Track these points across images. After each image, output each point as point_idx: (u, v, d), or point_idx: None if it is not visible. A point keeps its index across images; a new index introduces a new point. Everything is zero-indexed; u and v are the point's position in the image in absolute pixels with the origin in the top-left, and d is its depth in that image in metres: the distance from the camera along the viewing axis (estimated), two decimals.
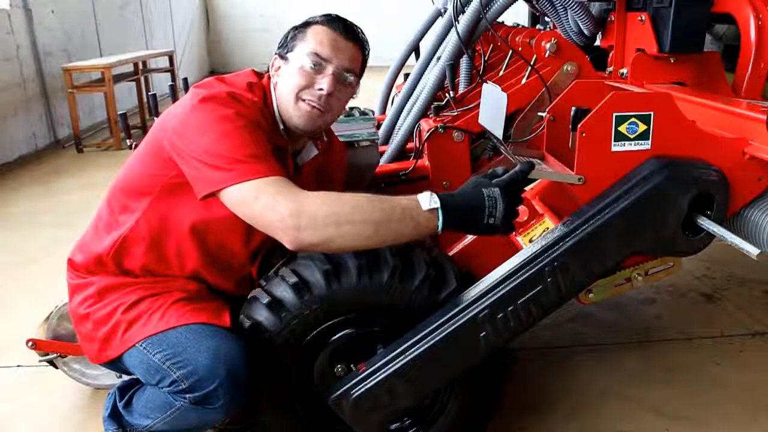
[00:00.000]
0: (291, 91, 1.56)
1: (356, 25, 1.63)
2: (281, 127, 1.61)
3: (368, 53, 1.66)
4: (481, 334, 1.46)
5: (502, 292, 1.45)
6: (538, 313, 1.47)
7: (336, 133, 2.07)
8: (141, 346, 1.53)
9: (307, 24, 1.60)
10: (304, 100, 1.56)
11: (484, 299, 1.46)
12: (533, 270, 1.45)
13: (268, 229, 1.37)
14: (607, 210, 1.46)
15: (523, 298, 1.45)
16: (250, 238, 1.62)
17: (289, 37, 1.62)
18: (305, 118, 1.57)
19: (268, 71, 1.66)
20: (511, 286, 1.45)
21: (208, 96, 1.47)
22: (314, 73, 1.55)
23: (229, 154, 1.39)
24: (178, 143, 1.46)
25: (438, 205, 1.35)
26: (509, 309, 1.45)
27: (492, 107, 1.85)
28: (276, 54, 1.63)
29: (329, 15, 1.61)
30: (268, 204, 1.34)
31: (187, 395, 1.48)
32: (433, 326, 1.47)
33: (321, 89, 1.54)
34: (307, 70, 1.54)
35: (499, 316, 1.45)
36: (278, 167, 1.42)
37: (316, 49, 1.54)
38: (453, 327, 1.46)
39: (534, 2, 2.48)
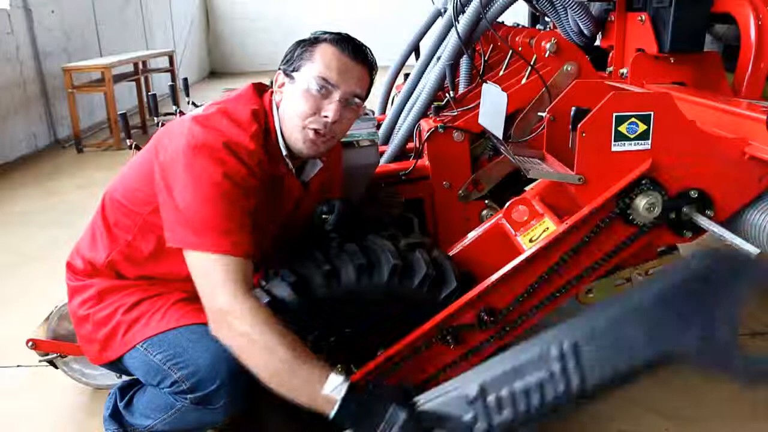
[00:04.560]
0: (296, 117, 1.53)
1: (365, 45, 1.59)
2: (284, 152, 1.58)
3: (376, 73, 1.62)
4: None
5: None
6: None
7: None
8: (141, 347, 1.53)
9: (314, 41, 1.54)
10: (309, 128, 1.53)
11: None
12: None
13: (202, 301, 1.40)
14: None
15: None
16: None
17: (295, 54, 1.55)
18: (309, 144, 1.54)
19: (271, 86, 1.62)
20: None
21: (202, 144, 1.42)
22: (320, 97, 1.51)
23: (203, 218, 1.39)
24: (162, 178, 1.46)
25: (339, 397, 1.24)
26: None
27: (492, 107, 1.85)
28: (280, 69, 1.57)
29: (338, 33, 1.56)
30: (211, 285, 1.37)
31: (188, 396, 1.48)
32: None
33: (326, 117, 1.51)
34: (313, 94, 1.50)
35: None
36: (246, 244, 1.40)
37: (324, 73, 1.50)
38: None
39: (534, 2, 2.47)
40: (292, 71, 1.54)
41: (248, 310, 1.33)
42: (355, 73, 1.54)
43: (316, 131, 1.52)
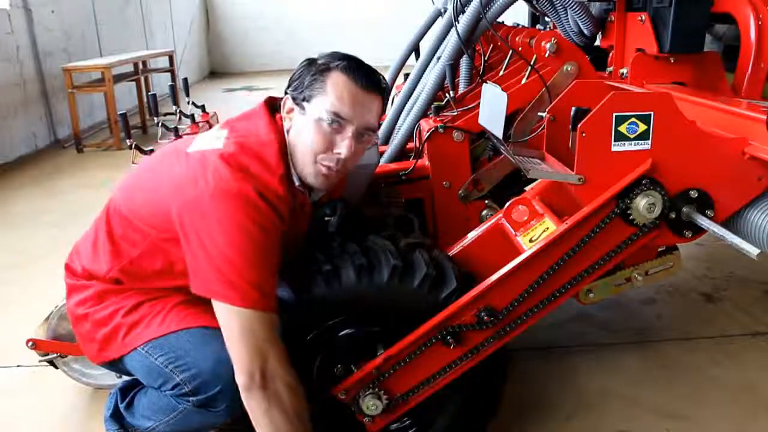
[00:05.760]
0: (308, 153, 1.47)
1: (376, 71, 1.53)
2: (297, 183, 1.52)
3: (388, 98, 1.55)
4: None
5: None
6: None
7: None
8: (143, 349, 1.53)
9: (325, 69, 1.46)
10: (321, 164, 1.48)
11: None
12: None
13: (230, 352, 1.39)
14: None
15: None
16: None
17: (305, 82, 1.47)
18: (321, 179, 1.51)
19: (279, 111, 1.56)
20: None
21: (236, 192, 1.37)
22: (333, 132, 1.46)
23: (235, 269, 1.35)
24: (188, 220, 1.40)
25: None
26: None
27: (492, 107, 1.85)
28: (289, 95, 1.51)
29: (348, 58, 1.49)
30: (240, 345, 1.36)
31: (191, 398, 1.49)
32: None
33: (339, 154, 1.47)
34: (326, 129, 1.45)
35: None
36: (272, 300, 1.39)
37: (337, 107, 1.44)
38: None
39: (534, 2, 2.48)
40: (303, 100, 1.47)
41: (280, 381, 1.36)
42: (368, 105, 1.48)
43: (328, 168, 1.49)
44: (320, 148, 1.46)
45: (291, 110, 1.51)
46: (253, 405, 1.37)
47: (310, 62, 1.51)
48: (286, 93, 1.53)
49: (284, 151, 1.49)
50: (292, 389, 1.38)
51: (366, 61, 1.54)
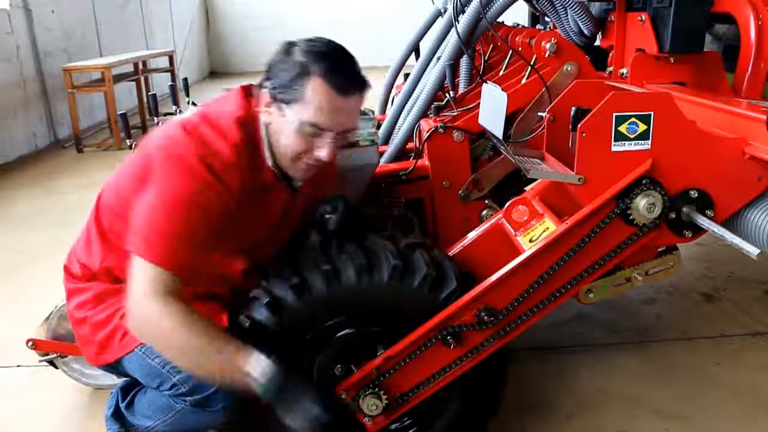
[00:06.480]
0: (288, 153, 1.50)
1: (356, 65, 1.50)
2: (270, 163, 1.54)
3: (369, 89, 1.53)
4: None
5: None
6: None
7: None
8: (140, 351, 1.53)
9: (305, 72, 1.42)
10: (302, 161, 1.51)
11: None
12: None
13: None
14: None
15: None
16: (249, 260, 1.63)
17: (285, 81, 1.44)
18: (302, 173, 1.55)
19: (254, 96, 1.55)
20: None
21: (178, 156, 1.42)
22: (312, 136, 1.47)
23: (156, 229, 1.41)
24: (138, 173, 1.48)
25: (265, 379, 1.36)
26: None
27: (492, 107, 1.85)
28: (267, 89, 1.48)
29: (329, 61, 1.43)
30: (134, 292, 1.41)
31: (187, 398, 1.50)
32: None
33: (319, 156, 1.48)
34: (305, 135, 1.46)
35: None
36: (185, 260, 1.42)
37: (316, 119, 1.43)
38: None
39: (534, 2, 2.47)
40: (281, 101, 1.46)
41: (163, 321, 1.37)
42: (347, 111, 1.47)
43: (309, 165, 1.51)
44: (300, 150, 1.48)
45: (269, 105, 1.49)
46: (142, 334, 1.46)
47: (288, 51, 1.47)
48: (263, 82, 1.50)
49: (250, 127, 1.51)
50: (176, 323, 1.39)
51: (354, 56, 1.51)
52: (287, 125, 1.46)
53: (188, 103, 3.39)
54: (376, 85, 1.80)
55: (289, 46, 1.48)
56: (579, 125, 1.47)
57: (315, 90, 1.42)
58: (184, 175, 1.41)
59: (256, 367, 1.36)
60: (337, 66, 1.44)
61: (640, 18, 2.00)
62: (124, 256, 1.53)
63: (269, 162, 1.54)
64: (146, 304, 1.38)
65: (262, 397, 1.37)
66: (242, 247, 1.61)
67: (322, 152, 1.48)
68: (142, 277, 1.40)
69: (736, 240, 1.39)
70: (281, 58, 1.47)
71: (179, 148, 1.43)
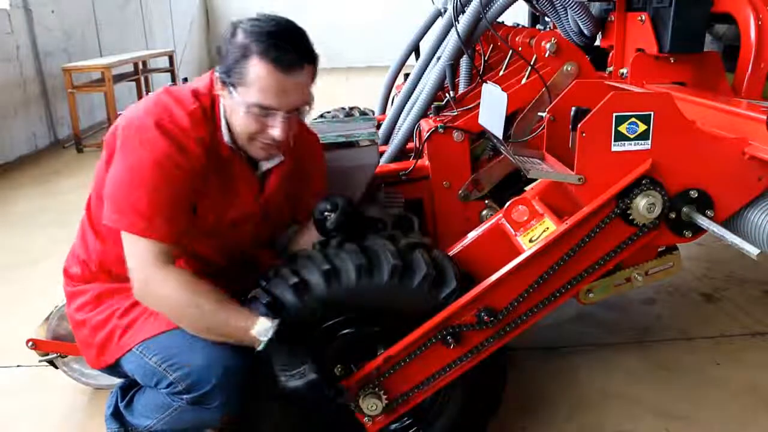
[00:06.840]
0: (243, 133, 1.50)
1: (301, 36, 1.47)
2: (227, 139, 1.54)
3: (318, 60, 1.50)
4: None
5: None
6: None
7: (336, 133, 2.07)
8: (137, 350, 1.54)
9: (246, 53, 1.40)
10: (258, 141, 1.51)
11: None
12: None
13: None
14: None
15: None
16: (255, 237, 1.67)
17: (229, 62, 1.43)
18: (262, 153, 1.56)
19: None
20: None
21: (137, 126, 1.46)
22: (263, 117, 1.46)
23: (125, 197, 1.45)
24: (107, 151, 1.54)
25: (266, 338, 1.40)
26: None
27: (492, 107, 1.85)
28: (218, 72, 1.48)
29: (269, 39, 1.40)
30: (135, 265, 1.47)
31: (185, 396, 1.49)
32: None
33: (274, 135, 1.48)
34: (256, 116, 1.46)
35: None
36: (166, 229, 1.44)
37: (261, 100, 1.42)
38: None
39: (534, 2, 2.47)
40: (229, 84, 1.45)
41: (167, 286, 1.43)
42: (293, 89, 1.44)
43: (266, 144, 1.52)
44: (254, 131, 1.49)
45: (222, 89, 1.49)
46: (150, 303, 1.52)
47: (233, 33, 1.45)
48: (215, 69, 1.51)
49: (207, 100, 1.53)
50: (182, 287, 1.44)
51: (302, 28, 1.49)
52: (236, 106, 1.47)
53: None
54: (377, 85, 1.80)
55: (233, 28, 1.46)
56: (579, 125, 1.47)
57: (257, 73, 1.41)
58: (143, 142, 1.44)
59: (259, 325, 1.40)
60: (278, 44, 1.41)
61: (640, 18, 2.00)
62: (114, 243, 1.55)
63: (226, 138, 1.54)
64: (160, 270, 1.44)
65: (261, 354, 1.41)
66: (218, 229, 1.61)
67: (275, 131, 1.48)
68: (133, 251, 1.46)
69: (736, 240, 1.39)
70: (227, 40, 1.47)
71: (136, 119, 1.48)
